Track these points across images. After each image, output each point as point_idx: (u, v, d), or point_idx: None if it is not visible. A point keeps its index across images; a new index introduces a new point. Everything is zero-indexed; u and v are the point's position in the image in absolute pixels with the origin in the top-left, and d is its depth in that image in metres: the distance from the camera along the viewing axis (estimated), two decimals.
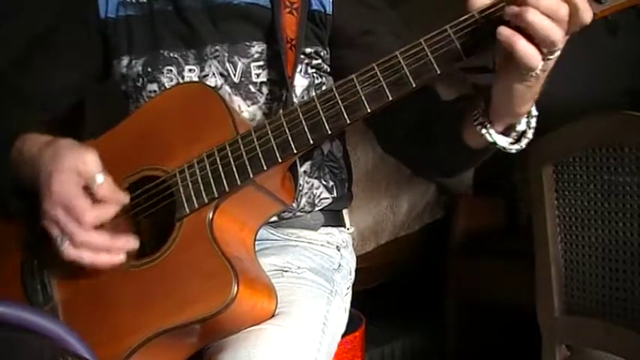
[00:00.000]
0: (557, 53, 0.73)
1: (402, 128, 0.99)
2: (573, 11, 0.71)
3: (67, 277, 0.92)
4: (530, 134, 0.83)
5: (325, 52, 1.04)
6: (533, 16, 0.70)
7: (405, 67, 0.80)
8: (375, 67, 0.82)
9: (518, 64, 0.73)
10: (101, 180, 0.86)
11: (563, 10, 0.70)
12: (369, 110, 0.82)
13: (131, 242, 0.87)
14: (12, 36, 1.34)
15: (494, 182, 2.35)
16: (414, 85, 0.80)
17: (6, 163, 0.95)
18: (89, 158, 0.87)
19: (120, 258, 0.87)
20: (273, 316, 0.90)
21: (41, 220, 0.88)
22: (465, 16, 0.77)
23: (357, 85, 0.82)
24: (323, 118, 0.84)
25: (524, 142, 0.84)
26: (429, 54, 0.79)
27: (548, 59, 0.73)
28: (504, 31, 0.72)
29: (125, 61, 1.06)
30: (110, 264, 0.87)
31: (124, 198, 0.89)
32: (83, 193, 0.86)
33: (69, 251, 0.86)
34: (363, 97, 0.82)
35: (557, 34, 0.71)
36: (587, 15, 0.71)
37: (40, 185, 0.88)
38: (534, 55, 0.71)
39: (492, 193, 2.41)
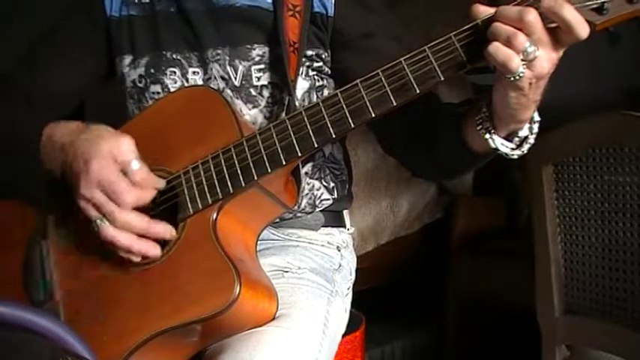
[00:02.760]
0: (533, 57, 0.74)
1: (403, 130, 1.00)
2: (565, 27, 0.73)
3: (68, 275, 0.93)
4: (531, 139, 0.85)
5: (326, 54, 1.04)
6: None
7: (409, 73, 0.81)
8: (380, 73, 0.83)
9: (500, 70, 0.75)
10: (137, 166, 0.86)
11: (529, 17, 0.73)
12: (373, 115, 0.83)
13: (168, 230, 0.87)
14: (17, 35, 1.34)
15: (494, 182, 2.35)
16: (417, 92, 0.81)
17: (12, 163, 0.95)
18: (125, 144, 0.87)
19: (155, 251, 0.86)
20: (274, 318, 0.90)
21: (76, 202, 0.87)
22: (469, 25, 0.78)
23: (361, 90, 0.83)
24: (328, 123, 0.85)
25: (525, 148, 0.85)
26: (433, 61, 0.80)
27: (525, 62, 0.74)
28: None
29: (127, 60, 1.06)
30: (144, 254, 0.86)
31: (161, 183, 0.89)
32: (122, 176, 0.86)
33: (108, 231, 0.85)
34: (368, 103, 0.83)
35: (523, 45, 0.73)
36: (582, 30, 0.73)
37: (75, 170, 0.87)
38: (509, 57, 0.73)
39: (492, 193, 2.42)
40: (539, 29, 0.73)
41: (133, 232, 0.86)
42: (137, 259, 0.87)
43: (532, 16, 0.73)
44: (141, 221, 0.86)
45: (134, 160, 0.86)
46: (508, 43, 0.74)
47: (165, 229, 0.87)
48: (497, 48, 0.74)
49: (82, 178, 0.86)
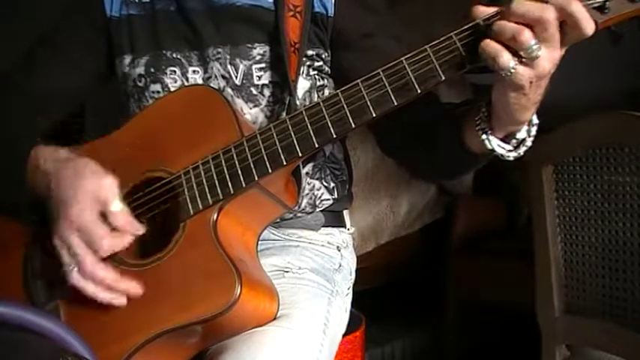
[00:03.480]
0: (536, 55, 0.73)
1: (403, 131, 0.99)
2: (572, 22, 0.72)
3: None
4: (529, 142, 0.84)
5: (327, 54, 1.04)
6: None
7: (410, 72, 0.81)
8: (381, 73, 0.82)
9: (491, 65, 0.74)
10: (118, 207, 0.86)
11: (549, 14, 0.71)
12: (374, 115, 0.83)
13: (134, 288, 0.86)
14: (17, 36, 1.34)
15: (494, 182, 2.35)
16: (418, 91, 0.81)
17: (10, 165, 0.95)
18: (107, 184, 0.86)
19: (121, 301, 0.85)
20: (275, 318, 0.90)
21: (53, 239, 0.87)
22: (470, 24, 0.78)
23: (362, 90, 0.83)
24: (328, 122, 0.85)
25: (522, 150, 0.84)
26: (434, 60, 0.80)
27: (524, 61, 0.73)
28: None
29: (127, 60, 1.06)
30: (110, 303, 0.86)
31: (140, 228, 0.88)
32: (100, 220, 0.85)
33: (76, 279, 0.85)
34: (369, 102, 0.83)
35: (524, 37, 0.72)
36: (588, 26, 0.72)
37: (56, 205, 0.87)
38: (499, 51, 0.73)
39: (492, 193, 2.42)
40: (554, 27, 0.72)
41: (101, 284, 0.85)
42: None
43: (552, 14, 0.71)
44: (108, 276, 0.85)
45: (115, 201, 0.85)
46: (513, 40, 0.73)
47: (130, 287, 0.85)
48: (487, 44, 0.74)
49: (62, 215, 0.85)
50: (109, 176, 0.87)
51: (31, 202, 0.94)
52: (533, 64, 0.74)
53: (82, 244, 0.85)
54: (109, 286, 0.85)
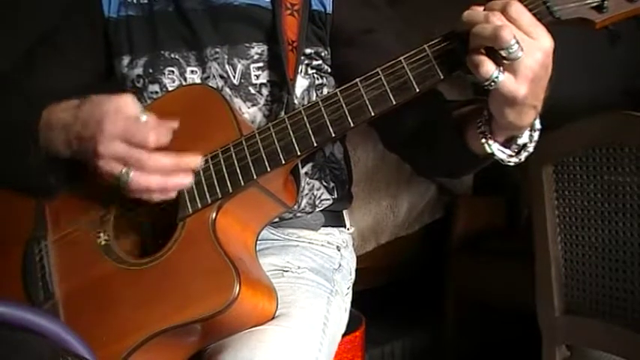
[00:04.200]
0: (516, 56, 0.72)
1: (405, 128, 0.99)
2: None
3: (68, 275, 0.92)
4: (531, 148, 0.82)
5: (326, 52, 1.04)
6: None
7: (408, 72, 0.81)
8: (380, 72, 0.82)
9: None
10: (144, 118, 0.85)
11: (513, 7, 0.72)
12: (372, 114, 0.83)
13: (197, 159, 0.86)
14: (16, 36, 1.34)
15: (494, 182, 2.35)
16: (417, 90, 0.81)
17: (11, 162, 0.95)
18: (129, 100, 0.86)
19: (189, 179, 0.86)
20: (273, 317, 0.90)
21: (96, 164, 0.85)
22: None
23: (361, 89, 0.83)
24: (327, 121, 0.85)
25: (523, 156, 0.82)
26: (432, 60, 0.79)
27: (506, 60, 0.72)
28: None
29: (126, 61, 1.06)
30: (179, 186, 0.86)
31: (173, 123, 0.88)
32: (137, 121, 0.85)
33: (139, 179, 0.84)
34: (367, 101, 0.83)
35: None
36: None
37: (88, 136, 0.86)
38: (480, 61, 0.73)
39: (492, 193, 2.42)
40: (527, 18, 0.72)
41: (164, 170, 0.85)
42: (173, 196, 0.86)
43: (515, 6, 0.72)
44: (170, 158, 0.85)
45: (141, 113, 0.85)
46: (494, 38, 0.71)
47: (194, 159, 0.86)
48: (470, 55, 0.74)
49: (99, 137, 0.84)
50: (126, 94, 0.87)
51: (52, 163, 0.93)
52: (517, 69, 0.72)
53: (129, 146, 0.84)
54: (173, 165, 0.85)
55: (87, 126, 0.86)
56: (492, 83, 0.73)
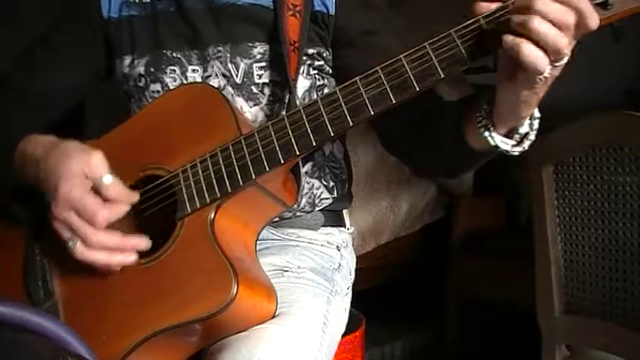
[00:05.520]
0: (565, 59, 0.72)
1: (404, 128, 0.99)
2: (579, 18, 0.70)
3: (68, 275, 0.93)
4: (532, 136, 0.83)
5: (327, 53, 1.04)
6: (539, 25, 0.69)
7: (408, 70, 0.80)
8: (379, 71, 0.82)
9: (526, 69, 0.72)
10: (109, 180, 0.86)
11: (570, 18, 0.70)
12: (372, 113, 0.83)
13: (143, 242, 0.87)
14: (14, 37, 1.34)
15: (494, 182, 2.35)
16: (417, 89, 0.81)
17: (9, 167, 0.95)
18: (95, 160, 0.87)
19: (132, 258, 0.87)
20: (273, 317, 0.90)
21: (50, 222, 0.87)
22: (470, 21, 0.77)
23: (360, 88, 0.83)
24: (326, 120, 0.84)
25: (526, 144, 0.84)
26: (433, 58, 0.79)
27: (555, 66, 0.73)
28: (509, 39, 0.72)
29: (127, 60, 1.06)
30: (123, 264, 0.87)
31: (134, 196, 0.89)
32: (92, 194, 0.86)
33: (82, 253, 0.85)
34: (367, 100, 0.82)
35: (563, 42, 0.70)
36: (593, 21, 0.71)
37: (47, 189, 0.87)
38: (540, 58, 0.71)
39: (492, 193, 2.42)
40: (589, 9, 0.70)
41: (107, 249, 0.86)
42: (117, 269, 0.88)
43: (571, 17, 0.70)
44: (115, 239, 0.86)
45: (105, 175, 0.86)
46: (551, 48, 0.70)
47: (139, 243, 0.87)
48: (531, 51, 0.70)
49: (55, 199, 0.86)
50: (97, 152, 0.87)
51: (23, 194, 0.94)
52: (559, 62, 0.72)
53: (79, 219, 0.85)
54: (116, 246, 0.86)
55: (49, 177, 0.87)
56: (545, 77, 0.73)
